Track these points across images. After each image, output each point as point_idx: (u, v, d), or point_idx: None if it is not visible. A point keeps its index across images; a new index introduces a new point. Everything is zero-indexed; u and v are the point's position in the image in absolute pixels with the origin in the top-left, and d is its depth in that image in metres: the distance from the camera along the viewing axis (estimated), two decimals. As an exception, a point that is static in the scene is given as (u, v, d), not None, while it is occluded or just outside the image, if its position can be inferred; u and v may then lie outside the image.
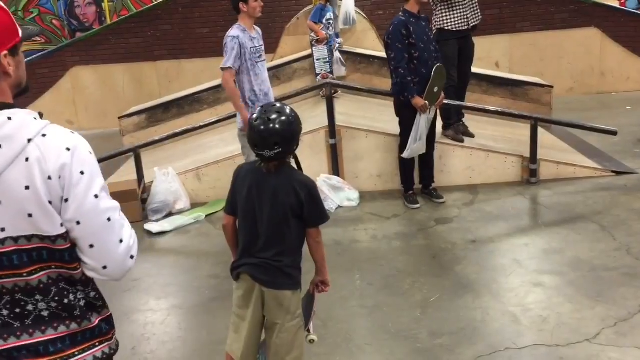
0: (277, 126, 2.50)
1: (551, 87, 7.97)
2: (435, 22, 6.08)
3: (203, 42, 10.09)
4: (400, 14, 5.27)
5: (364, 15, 8.99)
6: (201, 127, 6.57)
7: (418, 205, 5.51)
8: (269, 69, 7.91)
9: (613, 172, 5.96)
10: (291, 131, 2.56)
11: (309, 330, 2.86)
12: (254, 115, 2.55)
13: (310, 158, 6.03)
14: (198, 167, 6.14)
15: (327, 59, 7.21)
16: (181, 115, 8.05)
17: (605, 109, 8.56)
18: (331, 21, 7.28)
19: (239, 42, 4.73)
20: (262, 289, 2.63)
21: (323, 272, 2.92)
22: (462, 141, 6.07)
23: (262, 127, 2.49)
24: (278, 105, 2.62)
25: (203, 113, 7.94)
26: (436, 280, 4.20)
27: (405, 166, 5.59)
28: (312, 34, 7.23)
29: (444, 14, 6.02)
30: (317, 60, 7.20)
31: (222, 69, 4.79)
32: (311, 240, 2.74)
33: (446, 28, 6.02)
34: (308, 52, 7.64)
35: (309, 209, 2.60)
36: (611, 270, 4.12)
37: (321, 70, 7.20)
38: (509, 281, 4.12)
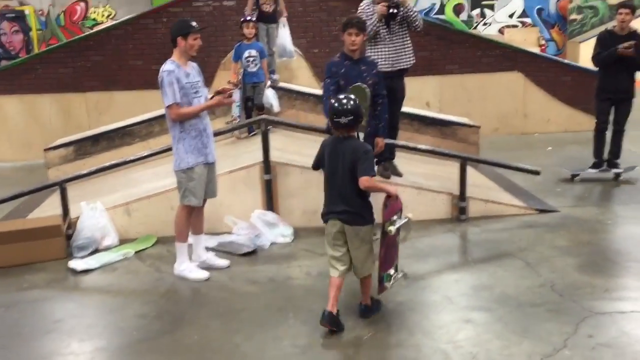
0: (350, 104, 3.90)
1: (478, 127, 8.30)
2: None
3: (136, 74, 9.94)
4: (338, 55, 5.28)
5: (300, 52, 9.13)
6: (132, 160, 6.41)
7: None
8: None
9: (537, 210, 6.22)
10: (357, 109, 3.91)
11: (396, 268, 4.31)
12: (337, 96, 4.04)
13: (245, 193, 5.99)
14: (128, 201, 5.97)
15: (238, 103, 7.19)
16: (111, 148, 7.84)
17: (528, 149, 8.97)
18: (252, 58, 7.20)
19: (175, 76, 4.69)
20: (344, 226, 3.96)
21: (385, 190, 4.15)
22: (389, 177, 6.16)
23: (341, 103, 3.90)
24: (352, 95, 4.03)
25: (135, 146, 7.77)
26: (370, 319, 4.19)
27: None
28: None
29: (369, 54, 6.18)
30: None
31: (168, 107, 4.71)
32: (362, 185, 3.86)
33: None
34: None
35: (360, 164, 3.85)
36: (537, 306, 4.25)
37: (232, 113, 7.19)
38: (440, 318, 4.18)
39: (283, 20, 8.04)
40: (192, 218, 5.04)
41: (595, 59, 7.13)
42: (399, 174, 6.33)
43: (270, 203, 6.01)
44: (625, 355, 3.60)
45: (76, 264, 5.27)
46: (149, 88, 9.91)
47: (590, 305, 4.20)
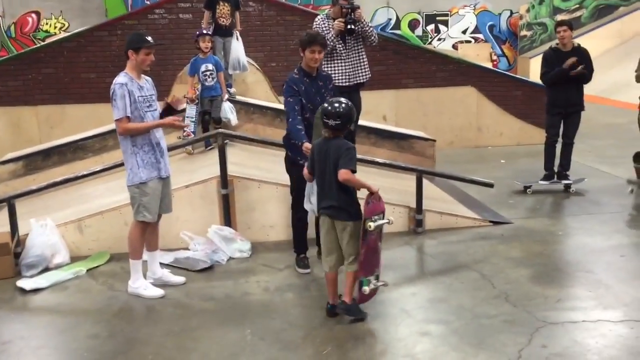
0: (342, 107, 4.19)
1: (434, 140, 8.43)
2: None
3: (89, 87, 9.75)
4: (295, 71, 5.17)
5: (257, 66, 9.12)
6: (85, 175, 6.26)
7: (308, 270, 5.25)
8: (161, 117, 7.78)
9: (491, 222, 6.34)
10: (347, 114, 4.20)
11: (377, 278, 4.41)
12: (329, 100, 4.36)
13: (202, 208, 5.91)
14: (80, 217, 5.81)
15: (193, 119, 7.10)
16: (63, 163, 7.63)
17: (482, 162, 9.16)
18: (209, 72, 7.13)
19: (127, 89, 4.61)
20: (333, 221, 4.25)
21: (365, 186, 4.24)
22: None
23: (333, 106, 4.19)
24: (343, 99, 4.30)
25: (87, 161, 7.57)
26: (328, 333, 4.18)
27: (297, 228, 5.33)
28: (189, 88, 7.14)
29: (326, 69, 6.23)
30: (187, 117, 6.98)
31: (117, 120, 4.62)
32: (341, 177, 4.12)
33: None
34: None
35: (342, 159, 4.14)
36: (492, 317, 4.32)
37: (185, 129, 7.07)
38: (398, 331, 4.19)
39: (236, 33, 8.00)
40: (146, 234, 4.94)
41: (543, 78, 7.34)
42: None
43: (227, 218, 5.95)
44: (577, 364, 3.69)
45: (25, 283, 5.09)
46: (102, 101, 9.68)
47: (543, 316, 4.29)
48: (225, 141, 6.04)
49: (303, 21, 9.99)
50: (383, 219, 4.31)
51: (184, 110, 6.93)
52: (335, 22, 6.14)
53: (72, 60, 9.75)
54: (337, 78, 6.19)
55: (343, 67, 6.24)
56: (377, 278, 4.42)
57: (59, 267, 5.42)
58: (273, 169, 6.35)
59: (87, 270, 5.38)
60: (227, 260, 5.56)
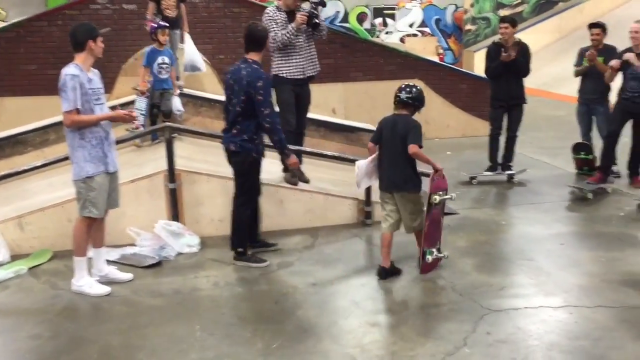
0: (414, 89, 4.95)
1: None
2: (272, 68, 6.23)
3: (29, 79, 9.40)
4: (256, 66, 5.04)
5: (205, 59, 9.00)
6: (25, 170, 6.04)
7: (267, 263, 5.25)
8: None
9: (438, 213, 6.46)
10: (419, 96, 4.94)
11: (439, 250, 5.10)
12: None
13: (149, 203, 5.80)
14: (20, 214, 5.61)
15: (143, 111, 6.97)
16: (1, 158, 7.36)
17: (429, 154, 9.07)
18: (165, 65, 7.06)
19: (79, 81, 4.47)
20: (397, 192, 4.87)
21: (430, 163, 4.88)
22: (296, 184, 6.18)
23: (408, 85, 5.00)
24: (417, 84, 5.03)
25: (27, 156, 7.33)
26: (278, 326, 4.19)
27: (244, 224, 5.26)
28: (139, 83, 6.99)
29: (280, 62, 6.21)
30: (136, 110, 6.85)
31: (67, 112, 4.46)
32: (411, 151, 4.72)
33: (281, 75, 6.21)
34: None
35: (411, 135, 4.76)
36: (439, 306, 4.42)
37: (137, 121, 6.94)
38: (347, 323, 4.24)
39: (186, 36, 7.89)
40: (92, 230, 4.81)
41: (487, 72, 7.58)
42: (306, 180, 6.36)
43: (175, 212, 5.86)
44: (520, 350, 3.82)
45: (-38, 283, 4.89)
46: (43, 94, 9.39)
47: (487, 304, 4.42)
48: (173, 135, 5.94)
49: (251, 13, 9.89)
50: (446, 195, 5.00)
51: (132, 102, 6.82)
52: (298, 15, 6.09)
53: (10, 51, 9.38)
54: (292, 71, 6.19)
55: (298, 61, 6.25)
56: (439, 250, 5.07)
57: (-2, 266, 5.23)
58: (221, 162, 6.27)
59: (29, 269, 5.21)
60: (175, 255, 5.48)
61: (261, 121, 5.00)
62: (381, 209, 5.08)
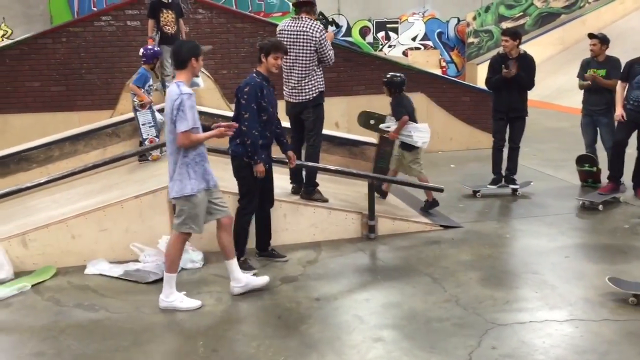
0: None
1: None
2: (314, 85, 6.19)
3: (33, 96, 9.48)
4: (254, 75, 5.25)
5: (208, 74, 9.05)
6: (29, 187, 6.07)
7: (256, 270, 5.35)
8: (108, 126, 7.63)
9: (441, 226, 6.44)
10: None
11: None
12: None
13: (152, 219, 5.80)
14: (24, 231, 5.61)
15: (152, 123, 7.05)
16: (6, 175, 7.35)
17: (433, 167, 9.26)
18: (151, 87, 7.22)
19: (194, 99, 4.56)
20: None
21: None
22: (327, 200, 6.26)
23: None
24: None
25: (32, 172, 7.32)
26: (282, 342, 4.17)
27: (245, 232, 5.40)
28: (135, 98, 7.04)
29: (320, 77, 6.25)
30: (143, 125, 6.98)
31: (184, 132, 4.48)
32: None
33: (322, 90, 6.28)
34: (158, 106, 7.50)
35: None
36: (443, 321, 4.39)
37: (148, 135, 7.03)
38: (351, 338, 4.21)
39: None
40: (223, 240, 4.85)
41: (487, 83, 7.59)
42: (325, 200, 6.32)
43: (178, 228, 5.85)
44: (525, 364, 3.78)
45: (-35, 301, 4.88)
46: (47, 110, 9.49)
47: (492, 318, 4.38)
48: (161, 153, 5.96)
49: (253, 29, 9.96)
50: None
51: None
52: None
53: (14, 68, 9.46)
54: (322, 86, 6.30)
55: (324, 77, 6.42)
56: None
57: (1, 283, 5.22)
58: (226, 177, 6.29)
59: (32, 286, 5.20)
60: (179, 271, 5.45)
61: (240, 124, 5.08)
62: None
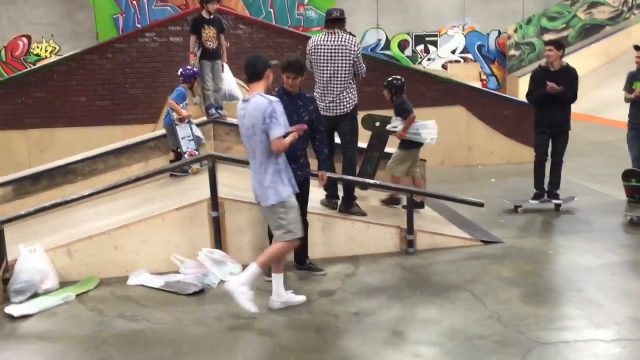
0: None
1: (424, 160, 8.44)
2: (351, 98, 6.33)
3: (80, 110, 9.76)
4: (275, 90, 5.30)
5: (247, 88, 9.15)
6: (74, 200, 6.22)
7: (270, 278, 5.21)
8: (150, 140, 7.80)
9: (482, 241, 6.34)
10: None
11: None
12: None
13: (192, 231, 5.88)
14: (69, 242, 5.76)
15: (191, 137, 7.21)
16: (52, 187, 7.58)
17: (473, 181, 9.19)
18: (187, 105, 7.42)
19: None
20: None
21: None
22: (365, 214, 6.26)
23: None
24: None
25: (77, 185, 7.53)
26: (319, 356, 4.15)
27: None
28: (174, 113, 7.21)
29: (355, 90, 6.39)
30: (182, 138, 7.17)
31: (278, 138, 4.60)
32: None
33: (357, 102, 6.41)
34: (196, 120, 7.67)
35: None
36: (484, 338, 4.30)
37: (187, 148, 7.17)
38: (390, 354, 4.16)
39: (225, 66, 8.13)
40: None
41: (528, 97, 7.46)
42: (364, 214, 6.32)
43: (218, 240, 5.92)
44: (570, 384, 3.67)
45: (13, 309, 5.02)
46: (92, 124, 9.77)
47: (535, 336, 4.28)
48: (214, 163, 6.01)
49: (293, 43, 10.07)
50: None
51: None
52: None
53: (62, 83, 9.77)
54: (357, 99, 6.42)
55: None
56: None
57: (47, 292, 5.37)
58: (241, 186, 6.33)
59: (76, 296, 5.33)
60: (218, 283, 5.52)
61: None
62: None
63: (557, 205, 7.42)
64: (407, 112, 6.84)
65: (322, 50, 6.24)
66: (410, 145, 6.93)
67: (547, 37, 17.61)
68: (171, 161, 7.30)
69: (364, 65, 6.40)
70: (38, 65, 13.77)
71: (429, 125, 6.91)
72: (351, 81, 6.34)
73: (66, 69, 9.86)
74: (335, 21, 6.37)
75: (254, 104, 4.63)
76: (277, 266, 4.91)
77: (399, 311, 4.88)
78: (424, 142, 6.92)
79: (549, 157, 7.48)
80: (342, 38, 6.27)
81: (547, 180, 7.52)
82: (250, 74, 4.76)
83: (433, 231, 6.33)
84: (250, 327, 4.68)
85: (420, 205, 6.92)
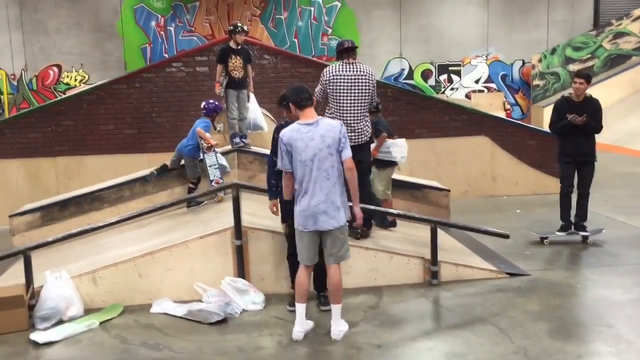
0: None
1: (448, 190, 8.41)
2: (368, 126, 6.47)
3: (107, 138, 9.92)
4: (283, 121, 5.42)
5: (272, 117, 9.26)
6: (101, 227, 6.30)
7: (293, 308, 5.25)
8: (175, 168, 7.89)
9: (507, 273, 6.24)
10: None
11: None
12: None
13: (216, 259, 5.90)
14: (94, 269, 5.82)
15: (217, 165, 7.35)
16: (79, 214, 7.71)
17: (497, 212, 9.09)
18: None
19: None
20: None
21: None
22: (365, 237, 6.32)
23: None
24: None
25: (103, 212, 7.65)
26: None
27: (292, 270, 5.47)
28: (202, 142, 7.32)
29: (365, 122, 6.43)
30: (210, 167, 7.31)
31: (349, 158, 4.79)
32: None
33: (369, 135, 6.53)
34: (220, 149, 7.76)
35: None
36: (510, 374, 4.21)
37: (214, 176, 7.28)
38: (414, 388, 4.09)
39: (252, 95, 8.27)
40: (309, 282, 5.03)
41: (551, 127, 7.39)
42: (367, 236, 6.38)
43: (241, 269, 5.93)
44: None
45: (38, 336, 5.07)
46: (119, 152, 9.92)
47: (563, 373, 4.18)
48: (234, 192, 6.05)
49: (317, 73, 10.09)
50: None
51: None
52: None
53: (91, 112, 9.96)
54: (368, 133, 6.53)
55: None
56: None
57: (72, 319, 5.40)
58: (256, 212, 6.34)
59: (100, 323, 5.35)
60: (240, 312, 5.51)
61: None
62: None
63: (585, 238, 7.29)
64: (379, 132, 7.00)
65: (342, 80, 6.32)
66: (384, 165, 7.13)
67: (572, 67, 17.53)
68: (188, 192, 7.39)
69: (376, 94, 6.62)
70: (68, 94, 14.08)
71: (399, 143, 7.14)
72: (367, 110, 6.50)
73: (95, 98, 10.06)
74: (349, 50, 6.48)
75: (327, 125, 4.79)
76: (301, 296, 4.89)
77: (423, 344, 4.81)
78: (395, 160, 7.11)
79: (575, 189, 7.38)
80: (361, 68, 6.41)
81: (573, 212, 7.41)
82: (306, 99, 4.87)
83: (457, 262, 6.25)
84: (272, 358, 4.64)
85: (393, 224, 7.16)
